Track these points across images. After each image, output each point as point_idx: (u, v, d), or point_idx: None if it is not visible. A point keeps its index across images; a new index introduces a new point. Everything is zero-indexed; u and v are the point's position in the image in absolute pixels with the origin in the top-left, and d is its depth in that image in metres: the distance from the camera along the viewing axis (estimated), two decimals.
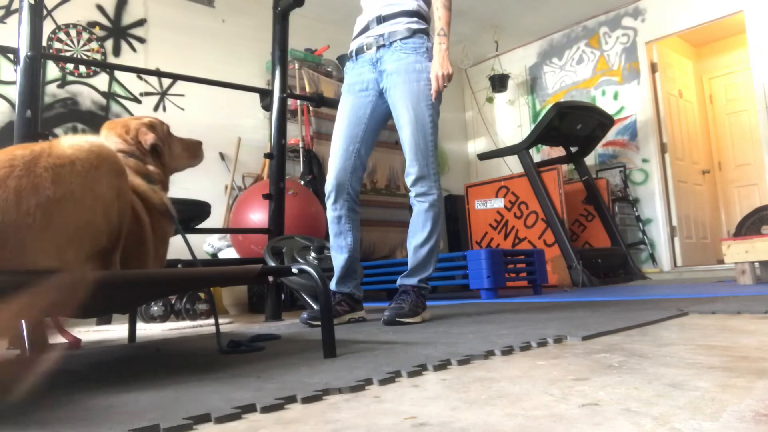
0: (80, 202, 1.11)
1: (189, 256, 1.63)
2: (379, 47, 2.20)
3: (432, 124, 2.15)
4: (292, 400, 0.86)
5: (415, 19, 2.19)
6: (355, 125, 2.24)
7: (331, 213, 2.27)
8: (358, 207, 2.30)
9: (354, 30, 2.33)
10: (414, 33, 2.17)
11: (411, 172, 2.15)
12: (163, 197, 1.53)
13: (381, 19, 2.20)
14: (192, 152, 1.76)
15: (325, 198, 2.28)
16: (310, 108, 4.52)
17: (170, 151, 1.69)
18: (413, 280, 2.17)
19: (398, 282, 2.22)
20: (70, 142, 1.16)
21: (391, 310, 2.05)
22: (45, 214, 1.05)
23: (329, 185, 2.25)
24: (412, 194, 2.18)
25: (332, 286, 2.29)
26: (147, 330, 2.72)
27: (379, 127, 2.30)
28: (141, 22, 4.52)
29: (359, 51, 2.26)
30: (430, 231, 2.16)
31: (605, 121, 5.04)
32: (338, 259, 2.29)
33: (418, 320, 2.08)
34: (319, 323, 2.03)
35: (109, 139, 1.55)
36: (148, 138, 1.56)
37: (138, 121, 1.63)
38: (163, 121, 1.73)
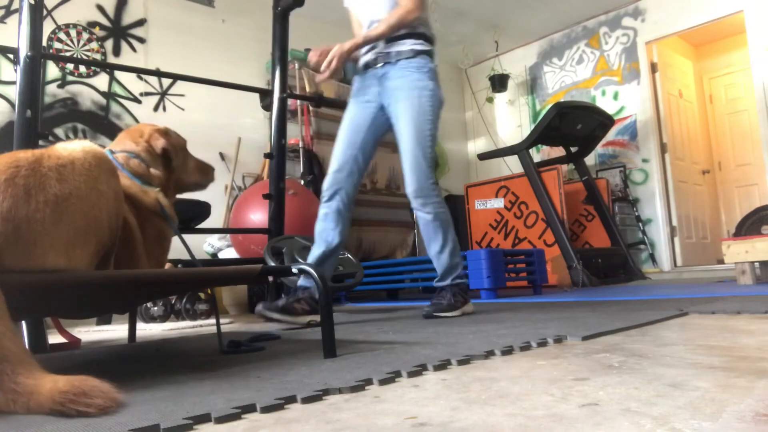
0: (86, 200, 1.15)
1: (189, 257, 1.63)
2: (385, 63, 2.31)
3: (431, 138, 2.26)
4: (292, 400, 0.86)
5: (420, 41, 2.30)
6: (355, 132, 2.35)
7: (321, 210, 2.34)
8: (348, 211, 2.35)
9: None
10: (418, 54, 2.28)
11: (410, 184, 2.24)
12: (158, 197, 1.55)
13: (389, 39, 2.29)
14: (203, 172, 1.83)
15: (321, 196, 2.35)
16: (310, 108, 4.51)
17: (184, 165, 1.75)
18: (447, 281, 2.32)
19: (435, 284, 2.36)
20: (64, 146, 1.21)
21: (431, 306, 2.22)
22: (54, 211, 1.08)
23: (325, 184, 2.34)
24: (414, 206, 2.28)
25: (300, 281, 2.34)
26: (147, 330, 2.72)
27: (378, 137, 2.40)
28: (141, 22, 4.52)
29: (366, 66, 2.36)
30: (444, 236, 2.27)
31: (605, 121, 5.03)
32: (314, 252, 2.33)
33: (458, 314, 2.21)
34: (273, 315, 2.14)
35: (124, 142, 1.62)
36: (159, 143, 1.63)
37: (153, 127, 1.70)
38: (180, 135, 1.79)
